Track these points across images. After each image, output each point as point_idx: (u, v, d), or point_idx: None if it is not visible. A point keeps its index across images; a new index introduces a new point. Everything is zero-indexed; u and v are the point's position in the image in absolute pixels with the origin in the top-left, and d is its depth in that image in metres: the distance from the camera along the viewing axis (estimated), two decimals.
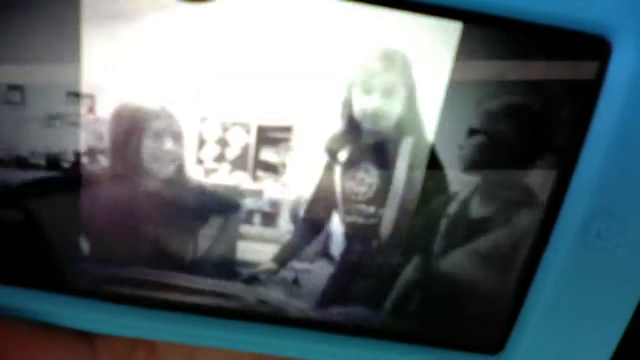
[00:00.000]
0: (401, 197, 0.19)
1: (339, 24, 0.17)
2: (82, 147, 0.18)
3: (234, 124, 0.19)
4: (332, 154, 0.19)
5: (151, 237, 0.20)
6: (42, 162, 0.19)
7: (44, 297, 0.20)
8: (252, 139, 0.19)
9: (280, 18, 0.17)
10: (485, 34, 0.18)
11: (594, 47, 0.18)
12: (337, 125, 0.19)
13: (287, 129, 0.19)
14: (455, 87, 0.18)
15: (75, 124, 0.18)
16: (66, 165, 0.19)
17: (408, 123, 0.19)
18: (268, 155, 0.19)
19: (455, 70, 0.18)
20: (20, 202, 0.19)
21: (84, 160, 0.19)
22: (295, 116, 0.19)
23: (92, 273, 0.20)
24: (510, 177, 0.19)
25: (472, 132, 0.19)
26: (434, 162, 0.19)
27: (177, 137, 0.18)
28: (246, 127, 0.19)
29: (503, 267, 0.20)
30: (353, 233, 0.20)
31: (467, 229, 0.20)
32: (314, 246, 0.20)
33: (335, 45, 0.18)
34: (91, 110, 0.18)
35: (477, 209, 0.20)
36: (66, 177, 0.19)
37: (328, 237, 0.20)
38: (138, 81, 0.18)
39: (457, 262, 0.20)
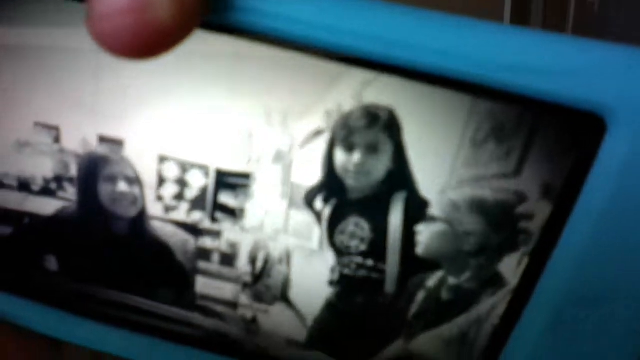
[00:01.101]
0: (401, 252, 0.19)
1: (313, 78, 0.17)
2: (49, 174, 0.19)
3: (193, 166, 0.18)
4: (314, 208, 0.19)
5: (114, 264, 0.20)
6: (14, 184, 0.19)
7: (16, 301, 0.21)
8: (210, 181, 0.19)
9: (247, 66, 0.17)
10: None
11: (588, 125, 0.16)
12: (312, 179, 0.18)
13: (247, 176, 0.18)
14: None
15: (43, 153, 0.19)
16: (36, 189, 0.19)
17: (399, 178, 0.18)
18: (226, 199, 0.19)
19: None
20: None
21: (52, 186, 0.19)
22: (255, 164, 0.18)
23: (59, 285, 0.21)
24: (479, 261, 0.18)
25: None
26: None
27: (132, 182, 0.19)
28: (205, 170, 0.18)
29: (470, 346, 0.19)
30: (354, 286, 0.19)
31: (439, 306, 0.19)
32: (273, 290, 0.20)
33: (309, 101, 0.17)
34: (57, 140, 0.18)
35: (448, 288, 0.19)
36: (37, 201, 0.20)
37: (287, 281, 0.20)
38: (98, 119, 0.18)
39: (430, 339, 0.20)
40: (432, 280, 0.19)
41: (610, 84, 0.15)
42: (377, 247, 0.19)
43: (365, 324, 0.20)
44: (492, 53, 0.15)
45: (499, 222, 0.18)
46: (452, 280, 0.19)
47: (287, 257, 0.19)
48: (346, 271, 0.19)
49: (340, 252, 0.19)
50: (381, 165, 0.18)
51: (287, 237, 0.19)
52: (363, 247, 0.19)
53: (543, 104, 0.16)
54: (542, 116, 0.16)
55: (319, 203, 0.19)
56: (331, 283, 0.20)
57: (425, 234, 0.18)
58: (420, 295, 0.19)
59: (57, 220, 0.20)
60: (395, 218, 0.18)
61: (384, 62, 0.16)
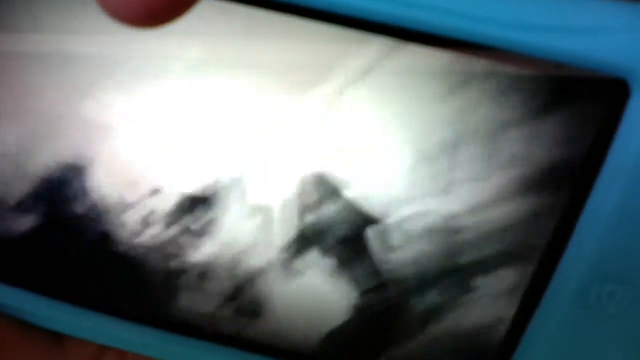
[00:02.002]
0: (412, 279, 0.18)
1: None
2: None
3: (160, 191, 0.18)
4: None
5: (90, 287, 0.20)
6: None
7: (21, 295, 0.20)
8: (177, 203, 0.18)
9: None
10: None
11: (610, 90, 0.15)
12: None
13: (214, 198, 0.18)
14: None
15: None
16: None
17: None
18: (192, 223, 0.18)
19: None
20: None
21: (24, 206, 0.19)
22: (223, 186, 0.18)
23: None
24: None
25: None
26: None
27: (96, 204, 0.18)
28: (173, 193, 0.18)
29: (489, 328, 0.19)
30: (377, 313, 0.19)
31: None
32: (254, 304, 0.20)
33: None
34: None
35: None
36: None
37: (269, 295, 0.19)
38: (66, 143, 0.17)
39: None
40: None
41: (634, 46, 0.14)
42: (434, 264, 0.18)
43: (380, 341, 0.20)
44: (509, 12, 0.14)
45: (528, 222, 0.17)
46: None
47: (266, 272, 0.19)
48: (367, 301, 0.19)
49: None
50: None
51: (266, 251, 0.19)
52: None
53: (562, 67, 0.15)
54: (561, 81, 0.15)
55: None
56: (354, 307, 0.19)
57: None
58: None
59: (26, 241, 0.19)
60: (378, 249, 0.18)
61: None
